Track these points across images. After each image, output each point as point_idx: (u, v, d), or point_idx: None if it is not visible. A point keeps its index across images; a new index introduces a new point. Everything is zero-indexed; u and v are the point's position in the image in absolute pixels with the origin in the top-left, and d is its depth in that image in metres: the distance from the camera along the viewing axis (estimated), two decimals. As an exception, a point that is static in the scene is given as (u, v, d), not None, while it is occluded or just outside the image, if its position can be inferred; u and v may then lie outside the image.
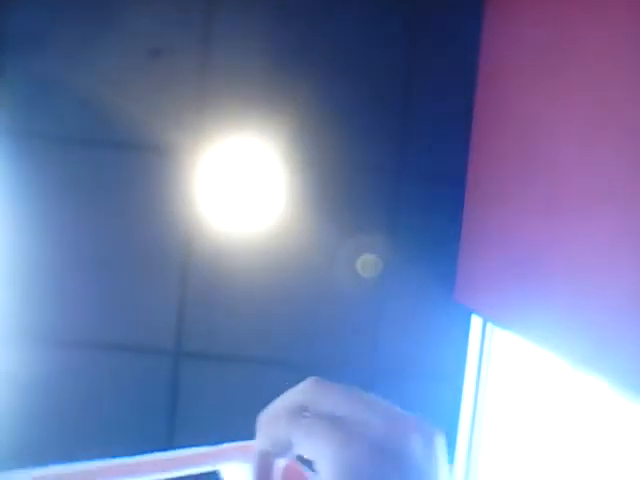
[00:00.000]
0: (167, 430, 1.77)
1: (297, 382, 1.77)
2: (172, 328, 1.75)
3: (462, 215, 1.76)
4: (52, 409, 1.75)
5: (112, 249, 1.74)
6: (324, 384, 0.36)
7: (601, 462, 1.08)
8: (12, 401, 1.75)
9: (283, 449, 0.35)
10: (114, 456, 1.78)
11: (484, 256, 1.54)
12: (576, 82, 1.12)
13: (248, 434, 1.78)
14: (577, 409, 1.18)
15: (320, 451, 0.32)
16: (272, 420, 0.36)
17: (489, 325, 1.71)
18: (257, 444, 0.37)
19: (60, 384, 1.75)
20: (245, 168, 1.74)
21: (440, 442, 0.34)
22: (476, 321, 1.76)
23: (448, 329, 1.78)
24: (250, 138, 1.74)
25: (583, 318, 1.01)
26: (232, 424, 1.77)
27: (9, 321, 1.74)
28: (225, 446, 0.41)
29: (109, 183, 1.74)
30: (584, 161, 1.06)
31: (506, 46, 1.51)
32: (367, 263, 1.75)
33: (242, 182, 1.74)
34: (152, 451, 1.77)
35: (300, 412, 0.35)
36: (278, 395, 1.77)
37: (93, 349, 1.75)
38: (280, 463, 0.40)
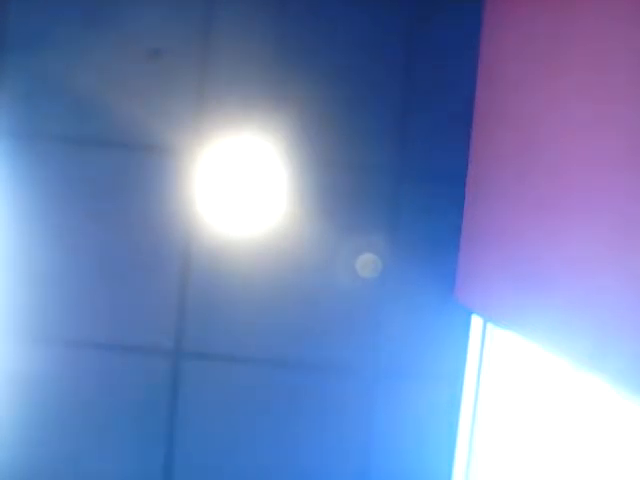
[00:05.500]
0: (167, 430, 1.77)
1: (296, 382, 1.77)
2: (172, 328, 1.75)
3: (462, 215, 1.76)
4: (52, 409, 1.75)
5: (112, 249, 1.74)
6: None
7: (601, 462, 1.08)
8: (12, 400, 1.75)
9: None
10: (114, 455, 1.78)
11: (484, 256, 1.54)
12: (576, 82, 1.12)
13: (248, 434, 1.78)
14: (577, 409, 1.19)
15: None
16: None
17: (489, 325, 1.71)
18: None
19: (60, 384, 1.75)
20: (245, 168, 1.74)
21: None
22: (476, 321, 1.76)
23: (448, 329, 1.78)
24: (250, 138, 1.74)
25: (583, 318, 1.01)
26: (232, 424, 1.77)
27: (9, 321, 1.74)
28: None
29: (109, 183, 1.74)
30: (584, 160, 1.06)
31: (506, 46, 1.52)
32: (367, 263, 1.75)
33: (242, 182, 1.74)
34: (152, 450, 1.77)
35: None
36: (277, 395, 1.77)
37: (93, 349, 1.75)
38: None
